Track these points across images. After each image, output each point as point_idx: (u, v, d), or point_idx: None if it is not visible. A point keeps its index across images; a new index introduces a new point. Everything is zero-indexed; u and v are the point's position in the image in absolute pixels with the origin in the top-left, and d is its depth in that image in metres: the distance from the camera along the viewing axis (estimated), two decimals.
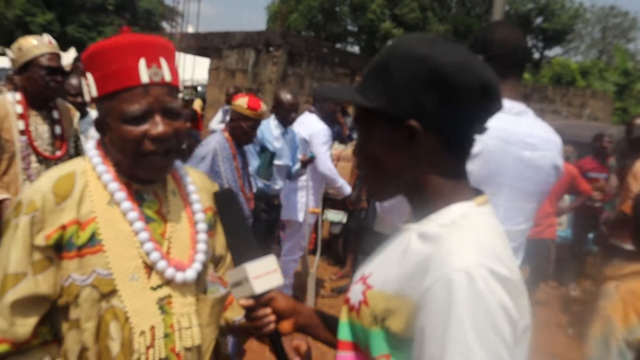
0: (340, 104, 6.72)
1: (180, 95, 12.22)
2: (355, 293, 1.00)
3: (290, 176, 4.52)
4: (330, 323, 1.19)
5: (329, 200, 5.94)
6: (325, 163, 4.75)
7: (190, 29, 14.57)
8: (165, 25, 39.90)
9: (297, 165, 4.51)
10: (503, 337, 0.78)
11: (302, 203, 4.72)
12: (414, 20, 25.17)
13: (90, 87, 1.21)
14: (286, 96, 4.26)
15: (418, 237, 0.92)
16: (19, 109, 2.85)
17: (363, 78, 1.00)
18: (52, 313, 1.21)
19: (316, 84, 10.89)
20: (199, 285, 1.31)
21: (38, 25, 31.71)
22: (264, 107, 3.61)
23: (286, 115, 4.30)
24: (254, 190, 3.96)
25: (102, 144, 1.29)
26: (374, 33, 25.52)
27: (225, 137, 3.61)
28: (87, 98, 1.11)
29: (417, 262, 0.87)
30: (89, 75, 1.20)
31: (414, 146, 0.92)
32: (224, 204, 1.24)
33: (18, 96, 2.88)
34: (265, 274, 1.15)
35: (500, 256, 0.85)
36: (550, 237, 5.12)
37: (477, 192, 0.98)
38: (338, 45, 23.53)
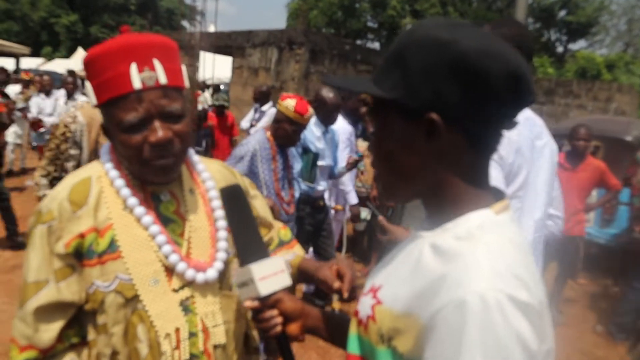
0: (364, 100, 6.72)
1: (208, 99, 12.28)
2: (364, 306, 0.92)
3: (333, 176, 4.44)
4: (339, 326, 1.14)
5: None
6: (339, 164, 4.57)
7: (212, 28, 14.66)
8: (185, 24, 40.36)
9: (340, 165, 4.44)
10: None
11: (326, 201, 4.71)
12: (435, 15, 24.99)
13: (90, 95, 1.19)
14: (328, 94, 4.10)
15: (431, 249, 0.83)
16: None
17: (379, 67, 0.89)
18: (80, 317, 1.23)
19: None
20: (223, 282, 1.30)
21: (62, 26, 32.25)
22: (311, 111, 3.43)
23: (329, 115, 4.14)
24: (297, 194, 3.84)
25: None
26: (394, 29, 25.41)
27: (266, 136, 3.44)
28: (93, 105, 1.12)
29: (429, 280, 0.79)
30: (87, 83, 1.18)
31: (434, 142, 0.82)
32: (230, 200, 1.20)
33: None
34: (272, 275, 1.12)
35: (520, 277, 0.75)
36: (579, 234, 5.07)
37: (497, 195, 0.90)
38: (358, 42, 23.47)
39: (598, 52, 33.14)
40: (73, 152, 2.90)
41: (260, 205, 1.50)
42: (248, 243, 1.15)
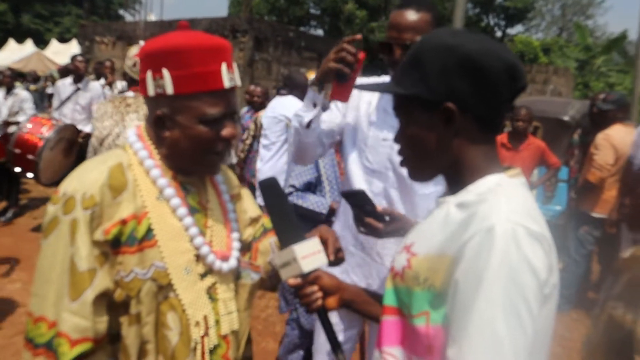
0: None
1: None
2: (399, 261, 1.09)
3: None
4: (374, 298, 1.30)
5: None
6: None
7: (152, 17, 14.27)
8: (123, 13, 39.09)
9: None
10: (529, 306, 0.87)
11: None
12: (377, 1, 25.16)
13: (163, 83, 1.20)
14: (299, 75, 4.14)
15: (456, 207, 1.02)
16: None
17: (399, 71, 1.10)
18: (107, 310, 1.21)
19: (283, 69, 10.82)
20: (235, 272, 1.37)
21: None
22: None
23: (303, 95, 4.12)
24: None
25: (148, 136, 1.29)
26: (337, 15, 25.39)
27: None
28: (150, 93, 1.10)
29: (458, 223, 0.98)
30: (165, 72, 1.19)
31: (451, 125, 1.02)
32: (269, 191, 1.29)
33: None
34: (311, 254, 1.23)
35: (532, 215, 0.95)
36: None
37: (509, 167, 1.08)
38: (302, 29, 23.37)
39: (534, 36, 34.32)
40: None
41: (248, 204, 1.54)
42: (287, 228, 1.25)
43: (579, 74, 20.82)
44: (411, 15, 1.88)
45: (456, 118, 1.01)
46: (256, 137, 5.25)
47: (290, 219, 1.26)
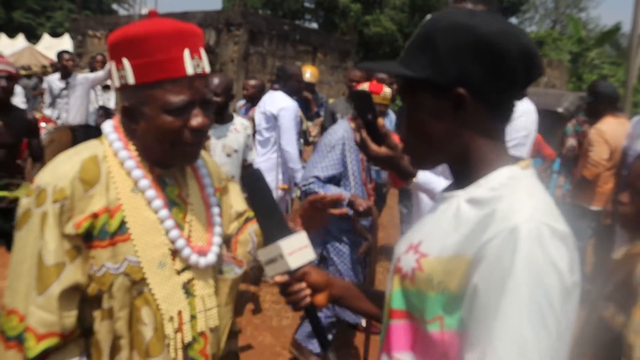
0: (305, 81, 6.70)
1: None
2: (407, 262, 1.01)
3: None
4: (364, 293, 1.25)
5: None
6: (290, 141, 4.50)
7: (145, 11, 14.18)
8: (116, 7, 38.82)
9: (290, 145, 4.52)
10: (554, 309, 0.82)
11: (272, 180, 4.66)
12: None
13: (124, 73, 1.17)
14: (293, 67, 4.17)
15: (468, 203, 0.94)
16: None
17: (406, 51, 1.01)
18: (80, 305, 1.19)
19: (278, 62, 10.79)
20: (216, 266, 1.33)
21: None
22: (387, 90, 3.18)
23: (297, 88, 4.24)
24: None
25: (122, 128, 1.26)
26: (332, 8, 25.30)
27: (351, 126, 3.20)
28: (116, 84, 1.08)
29: (475, 222, 0.90)
30: (125, 62, 1.16)
31: (461, 113, 0.95)
32: (253, 184, 1.24)
33: None
34: (298, 250, 1.17)
35: (555, 212, 0.89)
36: None
37: (519, 158, 1.01)
38: (296, 23, 23.29)
39: (528, 29, 34.33)
40: None
41: (234, 198, 1.52)
42: (272, 222, 1.20)
43: (572, 66, 20.87)
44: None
45: (467, 105, 0.94)
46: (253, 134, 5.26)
47: (275, 213, 1.21)
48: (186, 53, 1.17)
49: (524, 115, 1.95)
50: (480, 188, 0.95)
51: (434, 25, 0.97)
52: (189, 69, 1.17)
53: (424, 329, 0.95)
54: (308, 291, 1.19)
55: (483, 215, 0.90)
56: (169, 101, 1.16)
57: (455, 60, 0.93)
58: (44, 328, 1.12)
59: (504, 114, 0.99)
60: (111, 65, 1.19)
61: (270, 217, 1.21)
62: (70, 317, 1.15)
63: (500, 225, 0.85)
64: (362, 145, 1.50)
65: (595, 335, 1.64)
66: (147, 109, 1.18)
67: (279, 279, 1.18)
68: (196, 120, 1.20)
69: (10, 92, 3.70)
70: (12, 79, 3.68)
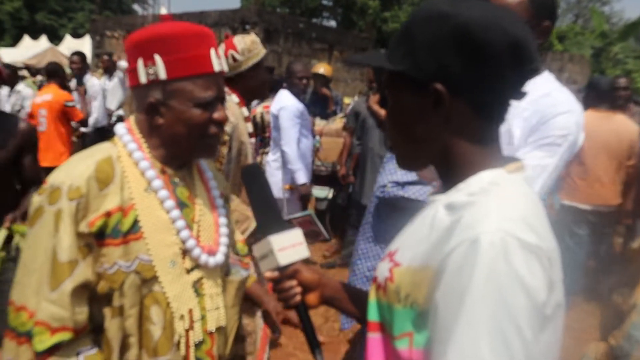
0: (320, 76, 6.68)
1: None
2: (382, 270, 0.95)
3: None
4: (356, 296, 1.19)
5: (314, 177, 5.91)
6: (288, 141, 4.42)
7: (164, 11, 14.31)
8: (136, 7, 39.23)
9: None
10: (521, 332, 0.72)
11: (278, 180, 4.62)
12: None
13: (156, 69, 1.21)
14: (298, 66, 4.23)
15: (444, 208, 0.87)
16: (245, 111, 2.82)
17: (391, 42, 0.94)
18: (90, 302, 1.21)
19: (293, 61, 10.80)
20: (223, 267, 1.36)
21: (6, 13, 30.92)
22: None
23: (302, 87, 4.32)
24: None
25: (138, 128, 1.30)
26: (350, 6, 25.23)
27: None
28: (142, 80, 1.12)
29: (443, 229, 0.83)
30: (157, 57, 1.21)
31: (441, 111, 0.86)
32: (251, 178, 1.27)
33: (236, 98, 2.76)
34: (290, 246, 1.16)
35: (530, 223, 0.78)
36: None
37: (511, 160, 0.92)
38: (314, 21, 23.28)
39: None
40: (227, 154, 2.77)
41: (235, 205, 1.60)
42: (267, 217, 1.20)
43: (594, 61, 20.50)
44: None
45: (446, 102, 0.85)
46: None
47: (271, 208, 1.21)
48: (212, 51, 1.25)
49: (567, 114, 1.75)
50: (459, 193, 0.86)
51: (414, 15, 0.89)
52: (216, 66, 1.25)
53: (393, 345, 0.88)
54: (299, 289, 1.16)
55: (450, 222, 0.82)
56: (199, 95, 1.23)
57: (432, 53, 0.85)
58: (57, 322, 1.14)
59: (492, 113, 0.89)
60: (138, 62, 1.22)
61: (266, 212, 1.21)
62: (82, 314, 1.17)
63: (463, 235, 0.77)
64: (371, 111, 1.42)
65: (614, 321, 1.62)
66: (176, 103, 1.23)
67: (268, 274, 1.17)
68: (219, 113, 1.27)
69: None
70: None
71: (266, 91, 3.03)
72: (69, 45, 20.29)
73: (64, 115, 5.52)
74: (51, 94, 5.56)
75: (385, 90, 0.97)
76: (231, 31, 10.26)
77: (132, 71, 1.25)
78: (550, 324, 0.77)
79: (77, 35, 23.48)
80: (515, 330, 0.72)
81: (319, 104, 6.73)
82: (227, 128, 2.73)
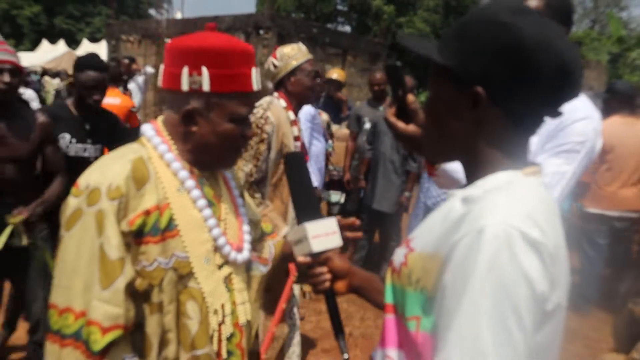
0: (332, 81, 6.66)
1: None
2: (398, 256, 1.01)
3: None
4: (382, 288, 1.20)
5: (327, 181, 5.90)
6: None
7: (179, 15, 14.43)
8: (152, 12, 39.59)
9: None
10: (521, 321, 0.75)
11: None
12: None
13: (200, 80, 1.24)
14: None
15: (460, 201, 0.90)
16: (291, 115, 2.90)
17: (443, 36, 0.97)
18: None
19: None
20: (247, 264, 1.43)
21: (25, 18, 31.41)
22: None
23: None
24: None
25: (167, 131, 1.32)
26: (365, 11, 25.21)
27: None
28: (184, 87, 1.13)
29: (454, 221, 0.87)
30: (204, 70, 1.24)
31: (476, 114, 0.89)
32: (294, 165, 1.31)
33: (284, 102, 2.89)
34: (324, 234, 1.22)
35: (535, 219, 0.81)
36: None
37: (530, 164, 0.94)
38: (329, 26, 23.30)
39: None
40: (266, 152, 2.82)
41: (249, 205, 1.60)
42: (305, 204, 1.26)
43: (611, 67, 20.27)
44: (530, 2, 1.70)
45: (483, 106, 0.88)
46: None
47: (309, 196, 1.27)
48: (254, 71, 1.30)
49: (585, 120, 1.74)
50: (476, 188, 0.90)
51: (474, 15, 0.92)
52: (255, 86, 1.30)
53: (406, 325, 0.94)
54: (328, 276, 1.22)
55: (462, 214, 0.86)
56: (237, 111, 1.28)
57: (482, 58, 0.87)
58: (109, 321, 1.15)
59: (525, 125, 0.91)
60: (183, 70, 1.24)
61: (305, 199, 1.27)
62: (132, 310, 1.20)
63: (471, 225, 0.81)
64: (389, 123, 1.39)
65: (628, 329, 1.58)
66: (214, 115, 1.27)
67: (301, 259, 1.24)
68: (250, 131, 1.35)
69: (15, 88, 2.79)
70: (18, 72, 2.80)
71: (311, 96, 3.07)
72: (86, 49, 20.55)
73: (127, 120, 5.63)
74: (119, 98, 5.68)
75: (429, 80, 0.99)
76: (245, 35, 10.30)
77: (172, 75, 1.27)
78: (550, 322, 0.79)
79: (94, 39, 23.77)
80: (515, 318, 0.74)
81: (332, 109, 6.72)
82: (268, 128, 2.76)
